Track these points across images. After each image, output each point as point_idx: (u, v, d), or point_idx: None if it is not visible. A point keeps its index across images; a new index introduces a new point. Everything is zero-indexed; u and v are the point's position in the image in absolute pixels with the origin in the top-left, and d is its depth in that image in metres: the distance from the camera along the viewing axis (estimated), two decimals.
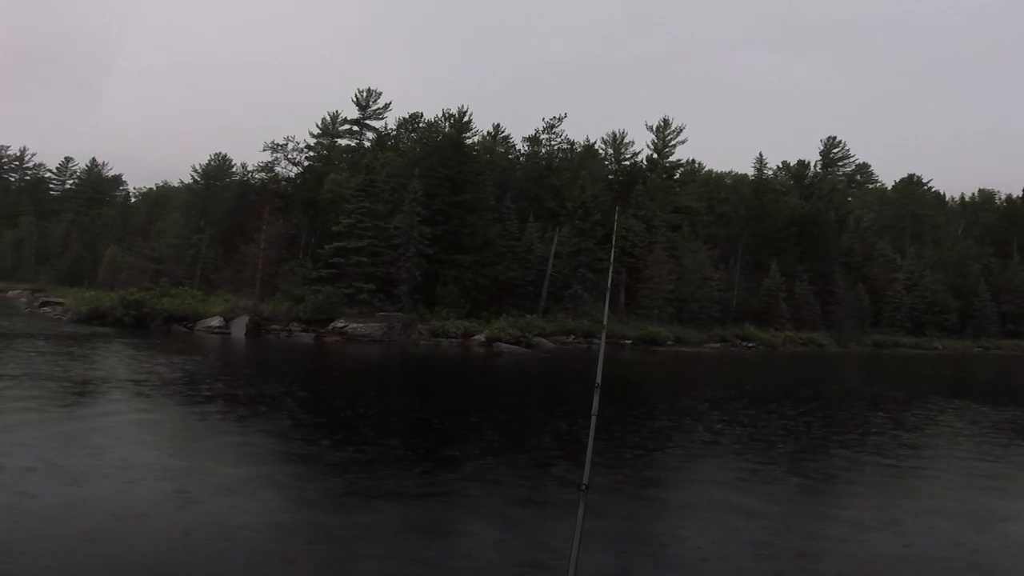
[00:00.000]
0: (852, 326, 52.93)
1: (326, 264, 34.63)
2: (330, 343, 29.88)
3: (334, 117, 53.86)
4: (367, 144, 51.62)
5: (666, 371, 29.14)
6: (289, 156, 50.40)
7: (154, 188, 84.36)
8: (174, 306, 33.28)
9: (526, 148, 52.77)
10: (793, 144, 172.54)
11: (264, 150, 48.88)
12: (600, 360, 3.90)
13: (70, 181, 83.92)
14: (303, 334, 30.99)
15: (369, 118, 50.17)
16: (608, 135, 59.33)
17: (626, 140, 59.30)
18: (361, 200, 34.91)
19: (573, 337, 36.95)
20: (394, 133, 50.59)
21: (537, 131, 50.65)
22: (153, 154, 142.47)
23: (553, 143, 50.93)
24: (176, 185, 72.68)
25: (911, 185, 72.27)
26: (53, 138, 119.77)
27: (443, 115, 48.29)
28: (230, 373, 19.37)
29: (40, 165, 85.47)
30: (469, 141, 53.76)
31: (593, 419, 3.22)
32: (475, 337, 31.88)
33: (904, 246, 63.74)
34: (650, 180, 54.21)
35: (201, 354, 23.35)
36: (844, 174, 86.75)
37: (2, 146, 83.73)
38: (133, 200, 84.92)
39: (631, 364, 30.65)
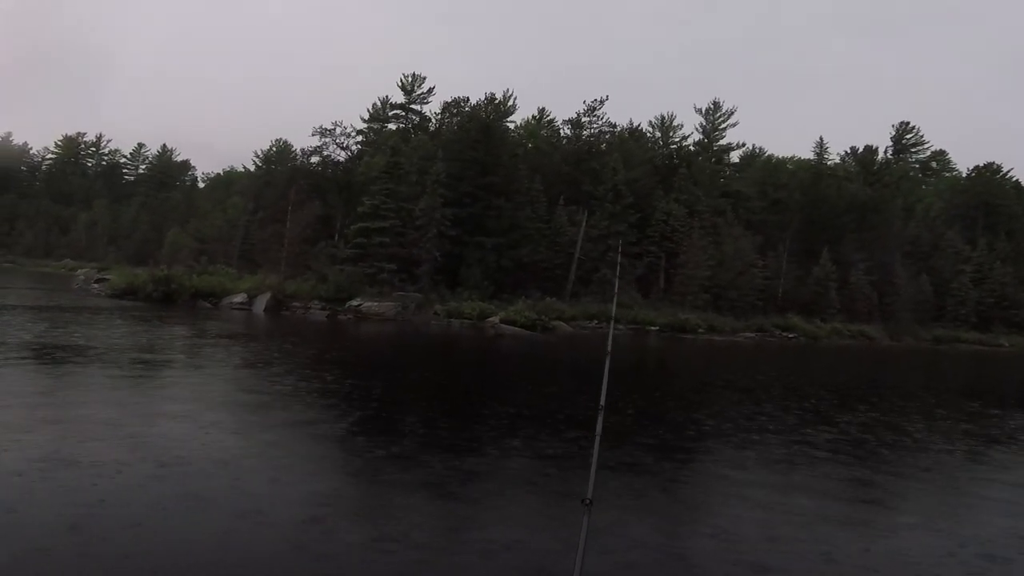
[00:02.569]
0: (909, 319, 50.10)
1: (351, 244, 35.15)
2: (342, 321, 30.38)
3: (384, 102, 54.52)
4: (411, 128, 52.07)
5: (680, 359, 28.20)
6: (337, 140, 51.57)
7: (221, 173, 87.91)
8: (203, 284, 34.43)
9: (568, 132, 52.23)
10: (864, 131, 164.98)
11: (313, 135, 50.18)
12: (606, 372, 3.83)
13: (142, 166, 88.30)
14: (318, 312, 31.60)
15: (414, 103, 50.54)
16: (656, 118, 58.03)
17: (675, 123, 57.86)
18: (385, 182, 35.30)
19: (596, 322, 36.30)
20: (437, 117, 50.81)
21: (578, 114, 49.90)
22: (223, 140, 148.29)
23: (594, 126, 50.02)
24: (241, 170, 75.79)
25: (987, 173, 67.65)
26: (131, 125, 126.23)
27: (485, 99, 48.29)
28: (198, 342, 19.82)
29: (116, 151, 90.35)
30: (512, 125, 53.77)
31: (597, 439, 3.21)
32: (490, 319, 31.71)
33: (975, 237, 59.82)
34: (696, 164, 52.70)
35: (194, 326, 24.05)
36: (917, 161, 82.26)
37: (80, 133, 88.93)
38: (202, 185, 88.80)
39: (645, 351, 29.86)
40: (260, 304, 32.29)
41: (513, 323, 30.93)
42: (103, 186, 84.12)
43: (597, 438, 3.22)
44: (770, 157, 70.92)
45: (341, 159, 50.37)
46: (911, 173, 79.92)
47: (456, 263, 36.35)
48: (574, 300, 38.97)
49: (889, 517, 7.85)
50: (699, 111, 55.85)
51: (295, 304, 32.63)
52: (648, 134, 57.82)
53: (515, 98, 51.63)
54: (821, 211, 55.85)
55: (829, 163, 68.42)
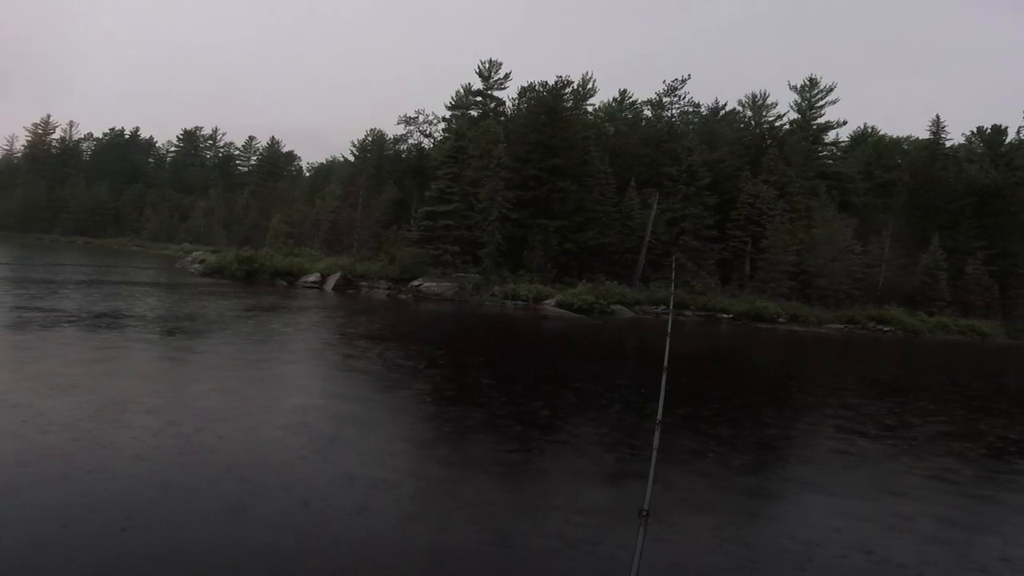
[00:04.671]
0: None
1: (419, 227, 35.92)
2: (402, 300, 31.20)
3: (466, 89, 55.07)
4: (490, 114, 52.35)
5: (743, 349, 26.87)
6: (420, 128, 52.82)
7: (324, 162, 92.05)
8: (282, 264, 36.30)
9: (650, 113, 50.77)
10: (994, 110, 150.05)
11: (398, 124, 51.61)
12: (663, 386, 3.87)
13: (253, 158, 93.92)
14: (379, 290, 32.56)
15: (491, 89, 50.74)
16: (747, 96, 55.25)
17: (768, 102, 54.85)
18: (450, 166, 35.79)
19: (663, 307, 35.13)
20: (515, 102, 50.81)
21: (658, 95, 48.38)
22: (331, 132, 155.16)
23: (675, 107, 48.35)
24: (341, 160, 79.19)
25: None
26: (244, 119, 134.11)
27: (561, 82, 47.78)
28: (251, 315, 20.86)
29: (230, 143, 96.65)
30: (590, 108, 52.91)
31: (654, 453, 3.17)
32: (546, 301, 31.46)
33: None
34: (789, 143, 49.80)
35: (257, 300, 25.33)
36: None
37: (197, 127, 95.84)
38: (307, 174, 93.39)
39: (704, 338, 28.67)
40: (330, 283, 33.66)
41: (569, 306, 30.53)
42: (218, 176, 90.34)
43: (654, 452, 3.12)
44: (882, 137, 66.14)
45: (425, 146, 51.58)
46: None
47: (519, 246, 36.31)
48: (644, 285, 37.93)
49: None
50: (794, 88, 52.64)
51: (363, 283, 33.78)
52: (739, 113, 55.20)
53: (594, 81, 50.64)
54: (933, 194, 51.44)
55: (948, 144, 62.73)
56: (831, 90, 52.24)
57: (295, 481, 6.36)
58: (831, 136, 55.50)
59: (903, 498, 7.46)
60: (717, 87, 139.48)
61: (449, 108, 53.84)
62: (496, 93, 50.13)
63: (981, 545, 6.25)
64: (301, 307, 24.37)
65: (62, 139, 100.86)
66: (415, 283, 32.60)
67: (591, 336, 24.59)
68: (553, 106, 39.76)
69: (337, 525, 5.49)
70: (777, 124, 53.80)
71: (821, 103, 52.56)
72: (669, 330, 5.56)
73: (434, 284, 32.01)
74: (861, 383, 17.37)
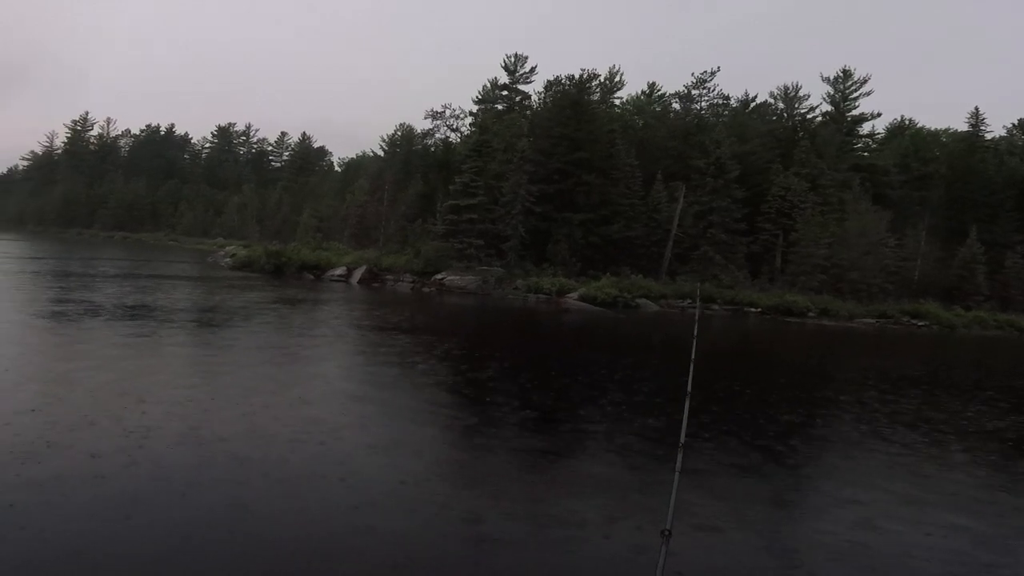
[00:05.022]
0: None
1: (443, 221, 36.07)
2: (425, 293, 31.36)
3: (493, 83, 55.07)
4: (516, 108, 52.27)
5: (768, 343, 26.48)
6: (447, 123, 52.98)
7: (355, 158, 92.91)
8: (309, 257, 36.76)
9: (678, 106, 50.26)
10: None
11: (425, 118, 51.83)
12: (686, 408, 3.95)
13: (285, 153, 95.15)
14: (404, 284, 32.79)
15: (517, 82, 50.66)
16: (779, 88, 54.32)
17: (800, 94, 53.87)
18: (474, 160, 35.84)
19: (689, 301, 34.77)
20: (541, 96, 50.67)
21: (687, 87, 47.83)
22: (363, 127, 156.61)
23: (704, 99, 47.75)
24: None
25: None
26: (275, 116, 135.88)
27: (587, 75, 47.48)
28: (272, 307, 21.16)
29: (263, 139, 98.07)
30: (618, 101, 52.51)
31: (676, 475, 3.16)
32: (569, 295, 31.35)
33: None
34: (821, 135, 48.87)
35: (276, 292, 25.68)
36: None
37: (231, 123, 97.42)
38: (338, 169, 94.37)
39: (729, 333, 28.30)
40: (356, 276, 33.99)
41: (592, 300, 30.39)
42: (252, 172, 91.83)
43: (676, 474, 3.12)
44: (920, 129, 64.53)
45: (452, 141, 51.72)
46: None
47: (544, 239, 36.24)
48: (670, 278, 37.59)
49: None
50: (826, 80, 51.61)
51: (388, 277, 34.05)
52: (771, 105, 54.31)
53: (622, 74, 50.29)
54: (972, 187, 50.07)
55: (988, 136, 60.91)
56: (865, 82, 51.22)
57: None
58: (867, 128, 54.48)
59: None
60: (748, 80, 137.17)
61: (476, 102, 53.92)
62: (522, 87, 50.05)
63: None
64: (324, 300, 24.67)
65: (100, 136, 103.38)
66: (438, 276, 32.77)
67: (608, 330, 24.41)
68: (577, 99, 39.55)
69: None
70: (809, 116, 52.86)
71: (855, 95, 51.53)
72: (693, 355, 5.52)
73: (457, 277, 32.13)
74: (888, 378, 16.98)
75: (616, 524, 5.74)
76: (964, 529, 6.26)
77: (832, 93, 51.79)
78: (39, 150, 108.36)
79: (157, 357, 11.73)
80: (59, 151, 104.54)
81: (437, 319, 22.25)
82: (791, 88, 53.96)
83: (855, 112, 52.00)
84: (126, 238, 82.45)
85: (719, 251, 38.98)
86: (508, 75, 50.31)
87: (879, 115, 53.18)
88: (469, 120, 53.61)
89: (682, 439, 3.38)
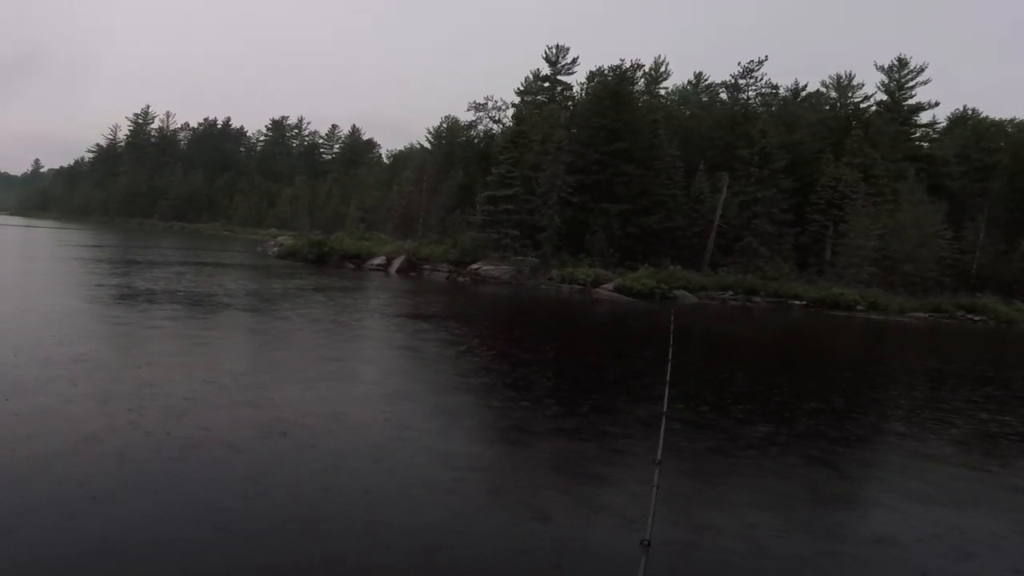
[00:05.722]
0: None
1: (481, 212, 36.27)
2: (460, 282, 31.63)
3: (535, 75, 54.99)
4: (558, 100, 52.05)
5: (818, 337, 25.80)
6: (490, 114, 53.13)
7: (402, 149, 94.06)
8: (351, 247, 37.50)
9: (725, 95, 49.26)
10: None
11: (468, 110, 52.11)
12: (662, 430, 4.02)
13: (336, 146, 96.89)
14: (440, 273, 33.14)
15: (559, 74, 50.45)
16: (831, 77, 52.68)
17: (854, 82, 52.18)
18: (511, 151, 35.93)
19: (730, 293, 34.14)
20: (583, 87, 50.38)
21: (733, 76, 46.80)
22: (413, 118, 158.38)
23: (751, 88, 46.68)
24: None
25: None
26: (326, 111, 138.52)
27: (632, 65, 46.97)
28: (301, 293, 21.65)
29: (314, 132, 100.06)
30: (663, 91, 51.77)
31: (654, 490, 3.10)
32: (604, 285, 31.12)
33: None
34: (875, 125, 47.24)
35: (318, 280, 26.24)
36: None
37: (283, 116, 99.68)
38: (387, 161, 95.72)
39: (767, 325, 27.70)
40: (395, 265, 34.50)
41: (628, 291, 30.09)
42: (304, 164, 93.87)
43: (654, 489, 3.08)
44: (983, 119, 61.68)
45: (495, 132, 51.84)
46: None
47: (581, 230, 36.07)
48: (712, 270, 36.96)
49: None
50: (881, 69, 49.81)
51: (425, 266, 34.45)
52: (823, 94, 52.75)
53: (667, 64, 49.61)
54: None
55: None
56: (922, 70, 49.28)
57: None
58: (927, 118, 52.46)
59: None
60: (800, 68, 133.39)
61: (518, 94, 53.91)
62: (564, 78, 49.80)
63: None
64: (358, 287, 25.12)
65: (160, 129, 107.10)
66: (473, 266, 33.00)
67: (632, 320, 24.18)
68: (617, 89, 39.13)
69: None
70: (863, 105, 51.18)
71: (911, 84, 49.64)
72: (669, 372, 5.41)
73: (491, 267, 32.29)
74: (934, 375, 16.39)
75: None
76: None
77: (887, 82, 50.01)
78: (103, 143, 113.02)
79: (210, 342, 12.17)
80: (122, 144, 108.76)
81: (457, 307, 22.19)
82: (844, 77, 52.36)
83: (911, 101, 50.10)
84: (184, 228, 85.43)
85: (764, 242, 38.11)
86: (550, 66, 50.15)
87: (937, 104, 51.18)
88: (511, 112, 53.74)
89: (658, 457, 3.39)
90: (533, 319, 21.84)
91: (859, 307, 35.78)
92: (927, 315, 36.47)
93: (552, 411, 9.00)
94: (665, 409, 4.62)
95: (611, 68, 42.68)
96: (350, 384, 9.76)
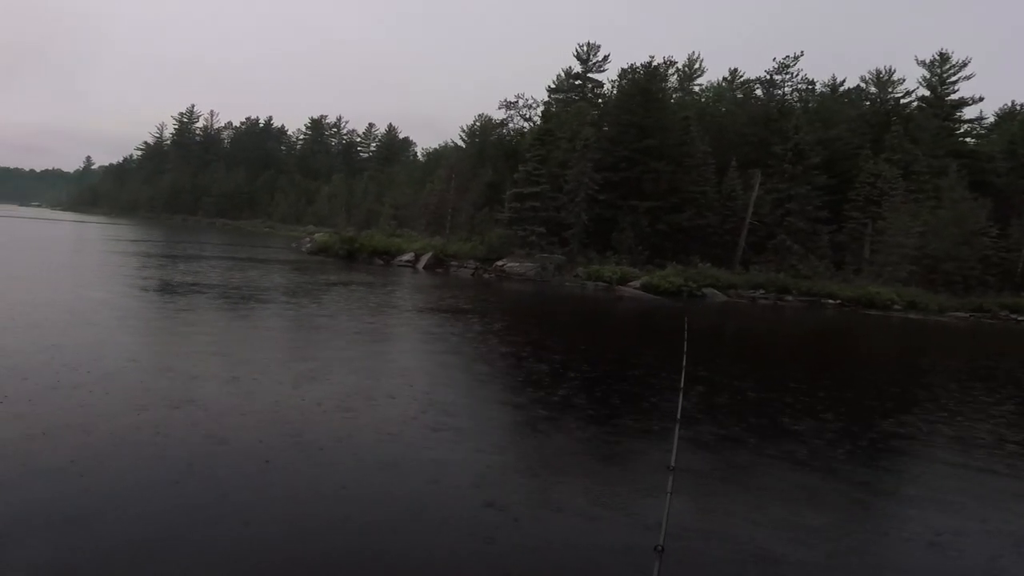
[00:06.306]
0: None
1: (507, 209, 36.38)
2: (485, 279, 31.78)
3: (567, 73, 54.84)
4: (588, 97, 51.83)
5: (848, 338, 25.28)
6: (520, 112, 53.20)
7: (437, 148, 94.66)
8: (380, 244, 38.00)
9: (761, 92, 48.50)
10: None
11: (499, 108, 52.33)
12: (676, 433, 4.02)
13: (373, 144, 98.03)
14: (466, 270, 33.35)
15: (590, 71, 50.24)
16: (871, 72, 51.41)
17: (894, 77, 50.84)
18: (538, 148, 35.96)
19: (761, 291, 33.60)
20: (614, 84, 50.11)
21: (768, 72, 46.02)
22: (447, 117, 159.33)
23: (787, 84, 45.85)
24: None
25: None
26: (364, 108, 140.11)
27: (664, 62, 46.59)
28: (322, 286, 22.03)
29: (352, 131, 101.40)
30: (697, 88, 51.16)
31: (668, 497, 3.11)
32: (631, 283, 30.91)
33: None
34: (916, 120, 45.97)
35: (342, 276, 26.65)
36: None
37: (322, 115, 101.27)
38: (422, 159, 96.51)
39: (796, 324, 27.22)
40: (422, 262, 34.84)
41: (654, 289, 29.85)
42: (342, 162, 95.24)
43: (668, 496, 3.10)
44: None
45: (526, 130, 51.89)
46: None
47: (609, 227, 35.90)
48: (743, 268, 36.43)
49: None
50: (922, 63, 48.45)
51: (453, 263, 34.70)
52: (863, 89, 51.52)
53: (701, 61, 48.98)
54: None
55: None
56: (964, 65, 47.82)
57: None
58: (971, 113, 50.93)
59: None
60: (837, 63, 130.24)
61: (550, 91, 53.84)
62: (595, 76, 49.58)
63: None
64: (382, 283, 25.42)
65: (204, 127, 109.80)
66: (499, 263, 33.13)
67: (652, 318, 23.95)
68: (647, 87, 38.81)
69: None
70: (904, 101, 49.85)
71: (954, 79, 48.20)
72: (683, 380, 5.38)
73: (516, 264, 32.38)
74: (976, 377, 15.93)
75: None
76: None
77: (928, 77, 48.64)
78: (151, 140, 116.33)
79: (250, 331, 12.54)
80: (168, 142, 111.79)
81: (475, 303, 22.23)
82: (884, 72, 51.05)
83: (954, 96, 48.64)
84: (225, 225, 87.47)
85: (797, 240, 37.41)
86: (581, 64, 49.96)
87: (981, 99, 49.51)
88: (541, 109, 53.67)
89: (672, 463, 3.39)
90: (545, 316, 21.84)
91: (896, 306, 34.88)
92: (968, 315, 35.37)
93: (545, 413, 9.04)
94: (679, 416, 4.57)
95: (643, 65, 42.38)
96: (370, 379, 9.94)
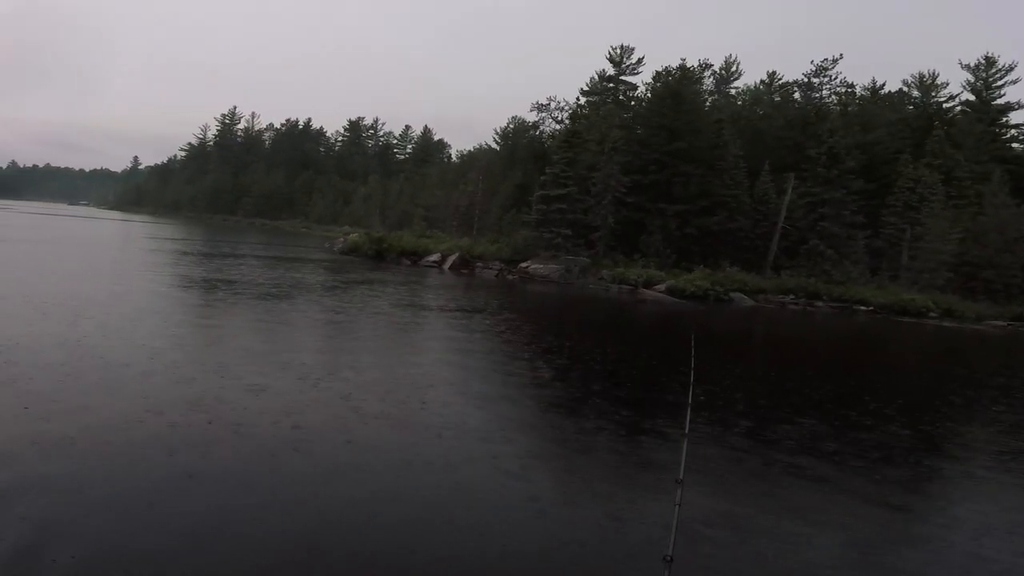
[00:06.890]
0: None
1: (534, 211, 36.44)
2: (509, 280, 31.91)
3: (600, 75, 54.73)
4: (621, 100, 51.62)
5: (872, 345, 24.77)
6: (553, 115, 53.31)
7: (471, 150, 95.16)
8: (408, 244, 38.45)
9: (799, 95, 47.72)
10: None
11: (531, 110, 52.51)
12: (684, 447, 3.90)
13: (409, 146, 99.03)
14: (491, 271, 33.54)
15: (623, 74, 50.06)
16: (913, 75, 50.19)
17: (938, 81, 49.55)
18: (565, 151, 35.96)
19: (792, 296, 33.04)
20: (648, 87, 49.84)
21: (806, 75, 45.28)
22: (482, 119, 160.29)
23: (825, 87, 45.07)
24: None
25: None
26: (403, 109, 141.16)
27: (700, 64, 46.20)
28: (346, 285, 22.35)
29: (389, 133, 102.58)
30: (733, 91, 50.57)
31: (676, 508, 3.16)
32: (657, 286, 30.68)
33: None
34: (958, 125, 44.74)
35: (366, 274, 27.00)
36: None
37: (360, 117, 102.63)
38: (456, 161, 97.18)
39: (821, 331, 26.74)
40: (448, 262, 35.13)
41: (680, 292, 29.58)
42: (378, 164, 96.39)
43: (676, 508, 3.15)
44: None
45: (556, 132, 51.95)
46: None
47: (637, 230, 35.68)
48: (775, 272, 35.88)
49: None
50: (967, 67, 47.18)
51: (478, 264, 34.91)
52: (905, 93, 50.33)
53: (738, 63, 48.42)
54: None
55: None
56: (1011, 69, 46.47)
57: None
58: (1018, 118, 49.35)
59: None
60: (882, 67, 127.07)
61: (583, 94, 53.78)
62: (629, 78, 49.38)
63: None
64: (407, 282, 25.76)
65: (246, 129, 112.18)
66: (524, 264, 33.22)
67: (669, 321, 23.71)
68: (678, 89, 38.49)
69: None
70: (947, 105, 48.64)
71: (1000, 83, 46.83)
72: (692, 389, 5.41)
73: (541, 265, 32.42)
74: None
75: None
76: None
77: (973, 81, 47.35)
78: (194, 141, 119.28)
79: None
80: (211, 143, 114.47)
81: (493, 303, 22.27)
82: (927, 76, 49.81)
83: (1000, 101, 47.26)
84: (264, 225, 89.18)
85: (831, 245, 36.68)
86: (614, 67, 49.82)
87: None
88: (570, 112, 53.60)
89: (680, 476, 3.39)
90: (547, 317, 21.82)
91: (932, 314, 33.95)
92: (1006, 323, 34.28)
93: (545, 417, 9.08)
94: (687, 430, 4.54)
95: (677, 68, 42.08)
96: (390, 375, 10.12)
